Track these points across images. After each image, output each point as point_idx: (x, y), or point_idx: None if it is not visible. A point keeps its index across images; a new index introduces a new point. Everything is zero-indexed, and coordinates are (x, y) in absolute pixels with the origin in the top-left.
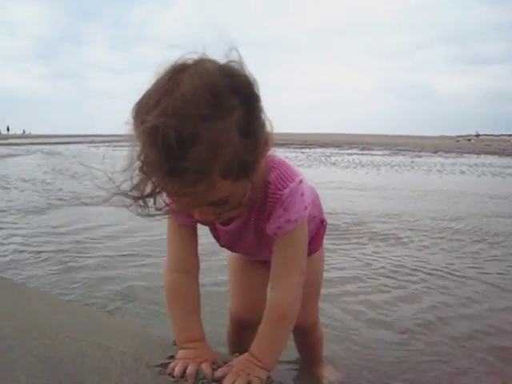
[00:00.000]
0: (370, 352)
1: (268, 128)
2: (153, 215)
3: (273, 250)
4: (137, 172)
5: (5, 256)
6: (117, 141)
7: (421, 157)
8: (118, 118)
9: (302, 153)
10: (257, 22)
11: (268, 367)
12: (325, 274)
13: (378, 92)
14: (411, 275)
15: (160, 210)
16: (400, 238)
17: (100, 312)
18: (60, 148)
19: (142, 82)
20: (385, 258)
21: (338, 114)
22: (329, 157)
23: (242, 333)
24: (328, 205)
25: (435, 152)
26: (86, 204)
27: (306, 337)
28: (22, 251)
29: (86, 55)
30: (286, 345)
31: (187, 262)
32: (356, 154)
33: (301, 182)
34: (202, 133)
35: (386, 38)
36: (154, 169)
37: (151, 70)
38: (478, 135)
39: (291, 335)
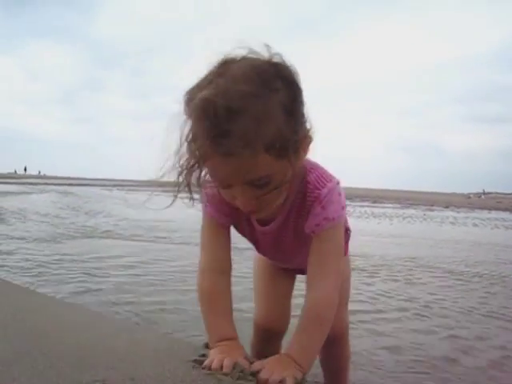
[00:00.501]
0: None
1: (309, 125)
2: (191, 198)
3: (309, 250)
4: (183, 153)
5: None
6: (129, 185)
7: (432, 211)
8: (131, 163)
9: None
10: None
11: (303, 369)
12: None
13: (390, 149)
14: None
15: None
16: (419, 278)
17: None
18: (74, 189)
19: (158, 129)
20: (408, 294)
21: (350, 169)
22: None
23: (266, 343)
24: None
25: (447, 207)
26: (101, 237)
27: (335, 348)
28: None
29: (105, 102)
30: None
31: (223, 263)
32: (368, 206)
33: (338, 183)
34: (249, 106)
35: (397, 98)
36: (201, 136)
37: (167, 118)
38: (484, 193)
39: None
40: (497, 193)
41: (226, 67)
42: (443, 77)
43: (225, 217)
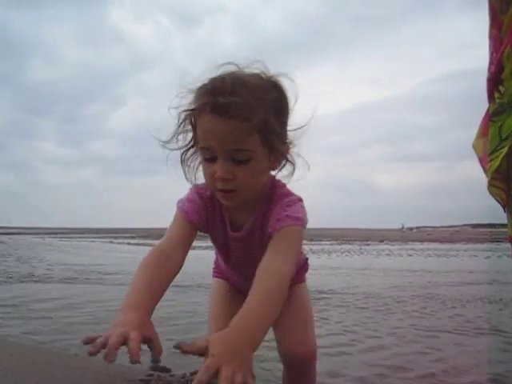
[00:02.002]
0: None
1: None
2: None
3: (267, 247)
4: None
5: None
6: (62, 232)
7: (368, 245)
8: (64, 211)
9: None
10: None
11: (252, 350)
12: None
13: (323, 189)
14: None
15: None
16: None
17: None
18: (3, 238)
19: (90, 175)
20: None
21: None
22: None
23: None
24: None
25: (381, 241)
26: (35, 281)
27: (304, 373)
28: None
29: (35, 148)
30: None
31: (174, 250)
32: (306, 243)
33: (301, 200)
34: (252, 88)
35: (328, 139)
36: (206, 97)
37: (101, 164)
38: (404, 228)
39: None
40: (426, 226)
41: (231, 72)
42: (369, 117)
43: (199, 218)
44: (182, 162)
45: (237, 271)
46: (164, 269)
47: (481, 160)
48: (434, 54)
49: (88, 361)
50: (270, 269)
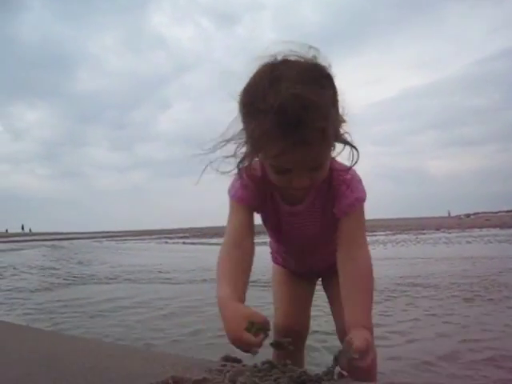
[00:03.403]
0: None
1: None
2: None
3: (338, 230)
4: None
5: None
6: (119, 235)
7: (424, 234)
8: (119, 214)
9: None
10: None
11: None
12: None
13: (374, 178)
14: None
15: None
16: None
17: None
18: (63, 243)
19: (141, 178)
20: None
21: None
22: None
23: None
24: None
25: (438, 229)
26: (96, 283)
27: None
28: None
29: (87, 156)
30: None
31: (240, 239)
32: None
33: (356, 173)
34: (314, 103)
35: (376, 128)
36: (274, 129)
37: (152, 166)
38: (466, 215)
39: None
40: (484, 212)
41: (277, 70)
42: (417, 103)
43: (254, 202)
44: (239, 168)
45: (289, 252)
46: (241, 258)
47: None
48: (485, 30)
49: (163, 354)
50: (359, 263)
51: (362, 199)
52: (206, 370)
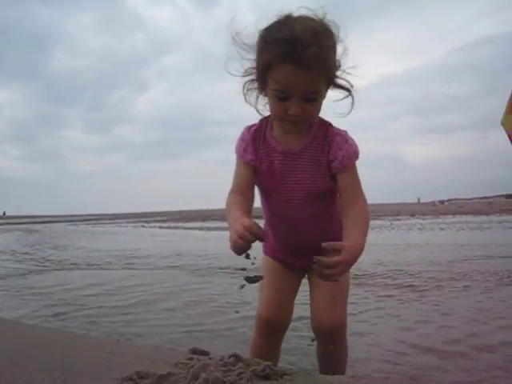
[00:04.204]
0: None
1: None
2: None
3: (339, 187)
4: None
5: None
6: (95, 219)
7: (399, 220)
8: (96, 197)
9: None
10: (228, 102)
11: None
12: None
13: None
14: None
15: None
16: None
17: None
18: (38, 226)
19: (117, 160)
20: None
21: None
22: None
23: (267, 337)
24: None
25: (412, 215)
26: (71, 269)
27: (332, 344)
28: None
29: (63, 137)
30: None
31: (244, 190)
32: None
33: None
34: (320, 39)
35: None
36: (284, 50)
37: (128, 149)
38: (441, 201)
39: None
40: (458, 199)
41: (292, 19)
42: (396, 91)
43: (249, 154)
44: (244, 92)
45: (281, 219)
46: (245, 202)
47: (510, 137)
48: (466, 18)
49: (131, 346)
50: (360, 205)
51: (357, 153)
52: (172, 363)
